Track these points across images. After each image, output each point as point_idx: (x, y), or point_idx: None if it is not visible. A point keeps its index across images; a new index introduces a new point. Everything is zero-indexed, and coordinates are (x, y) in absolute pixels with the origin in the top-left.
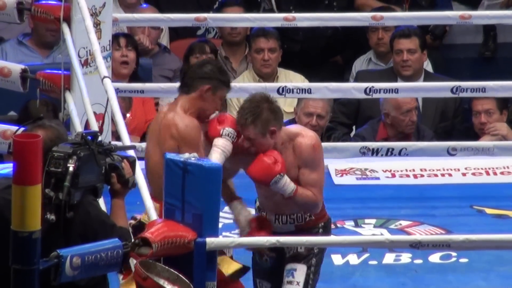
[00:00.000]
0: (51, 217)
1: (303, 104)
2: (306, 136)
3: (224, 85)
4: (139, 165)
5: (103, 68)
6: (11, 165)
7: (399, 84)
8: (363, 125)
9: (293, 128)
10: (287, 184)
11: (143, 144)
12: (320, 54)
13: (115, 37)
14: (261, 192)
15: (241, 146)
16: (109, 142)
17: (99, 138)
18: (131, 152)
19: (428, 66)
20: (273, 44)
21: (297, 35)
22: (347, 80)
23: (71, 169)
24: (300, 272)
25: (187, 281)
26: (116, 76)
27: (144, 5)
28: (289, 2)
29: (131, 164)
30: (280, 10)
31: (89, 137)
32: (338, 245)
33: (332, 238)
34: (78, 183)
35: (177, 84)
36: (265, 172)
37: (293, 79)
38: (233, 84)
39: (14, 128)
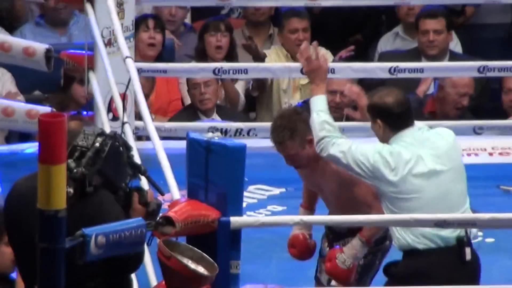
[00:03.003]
0: (69, 189)
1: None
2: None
3: None
4: (164, 144)
5: (125, 48)
6: (36, 144)
7: (425, 64)
8: None
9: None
10: (355, 250)
11: (166, 124)
12: (339, 32)
13: (144, 19)
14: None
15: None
16: (143, 166)
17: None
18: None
19: (457, 46)
20: (306, 24)
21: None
22: (370, 59)
23: (97, 144)
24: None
25: (211, 260)
26: (142, 57)
27: None
28: None
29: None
30: None
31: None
32: (362, 224)
33: (354, 217)
34: (99, 164)
35: (200, 64)
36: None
37: None
38: (256, 64)
39: (39, 107)
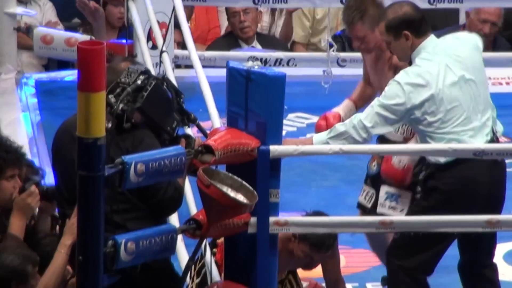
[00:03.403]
0: (108, 124)
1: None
2: None
3: None
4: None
5: None
6: (75, 72)
7: None
8: None
9: None
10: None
11: (206, 53)
12: None
13: None
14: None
15: None
16: (192, 114)
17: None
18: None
19: None
20: None
21: None
22: None
23: (138, 82)
24: (405, 199)
25: (250, 188)
26: None
27: None
28: None
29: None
30: None
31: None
32: (402, 153)
33: (394, 146)
34: (139, 101)
35: None
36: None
37: None
38: None
39: (78, 35)
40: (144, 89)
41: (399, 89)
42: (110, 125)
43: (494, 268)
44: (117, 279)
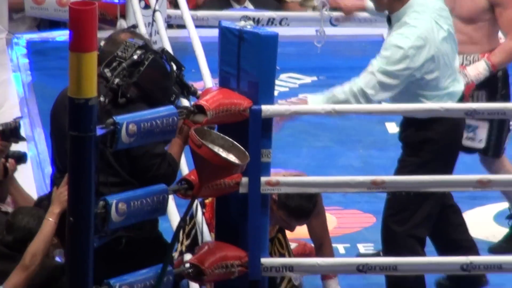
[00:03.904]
0: (102, 99)
1: None
2: None
3: None
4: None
5: None
6: (67, 32)
7: None
8: None
9: None
10: (477, 71)
11: (199, 13)
12: None
13: None
14: None
15: None
16: (193, 86)
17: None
18: None
19: None
20: None
21: None
22: None
23: (134, 57)
24: (482, 130)
25: (242, 148)
26: None
27: None
28: None
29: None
30: None
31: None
32: (395, 113)
33: (384, 106)
34: (136, 76)
35: None
36: None
37: None
38: None
39: None
40: (141, 64)
41: (402, 54)
42: (105, 99)
43: (456, 209)
44: (104, 255)
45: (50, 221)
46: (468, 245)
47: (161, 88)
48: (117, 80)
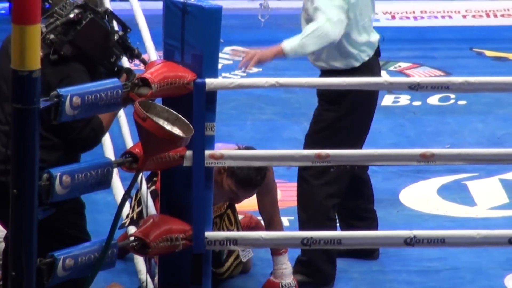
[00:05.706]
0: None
1: None
2: None
3: None
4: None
5: None
6: (6, 5)
7: None
8: None
9: None
10: None
11: None
12: None
13: None
14: None
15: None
16: (137, 50)
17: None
18: None
19: None
20: None
21: None
22: None
23: (71, 15)
24: None
25: (186, 121)
26: None
27: None
28: None
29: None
30: None
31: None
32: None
33: (328, 79)
34: (71, 35)
35: None
36: None
37: None
38: None
39: None
40: (78, 23)
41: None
42: (40, 53)
43: (367, 181)
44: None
45: None
46: (371, 216)
47: (100, 48)
48: (52, 37)
